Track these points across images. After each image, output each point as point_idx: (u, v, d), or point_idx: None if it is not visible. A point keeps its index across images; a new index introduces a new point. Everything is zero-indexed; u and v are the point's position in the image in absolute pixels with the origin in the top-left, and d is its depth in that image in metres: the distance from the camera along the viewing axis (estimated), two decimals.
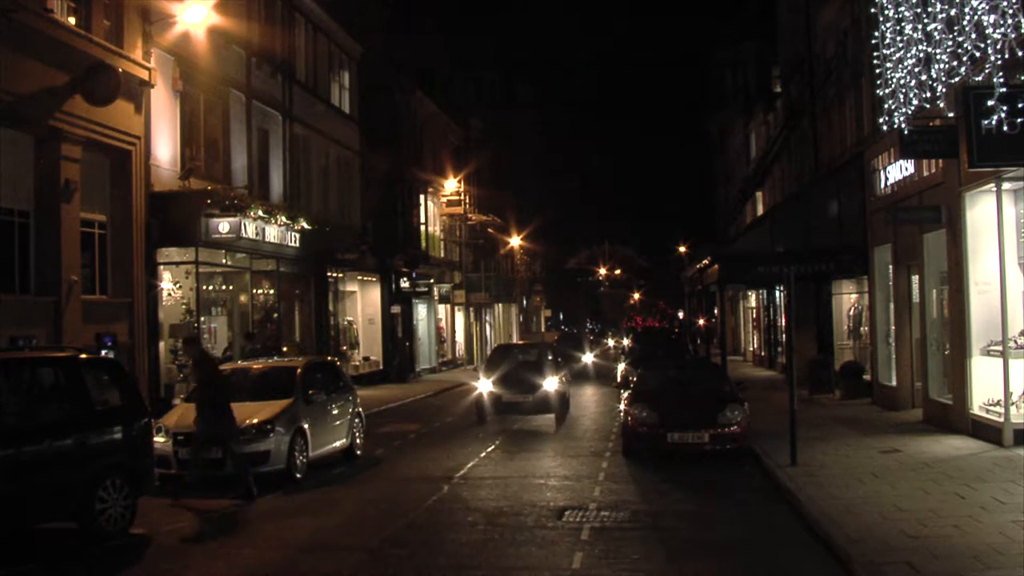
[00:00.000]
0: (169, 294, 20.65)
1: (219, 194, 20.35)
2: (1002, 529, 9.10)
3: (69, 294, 16.61)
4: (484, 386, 20.78)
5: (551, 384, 20.46)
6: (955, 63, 12.15)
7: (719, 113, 51.13)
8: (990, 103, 11.54)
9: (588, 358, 39.66)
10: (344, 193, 32.25)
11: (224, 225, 20.09)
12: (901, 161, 16.80)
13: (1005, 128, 11.55)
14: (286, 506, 12.29)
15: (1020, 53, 10.82)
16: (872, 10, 15.19)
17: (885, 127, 14.74)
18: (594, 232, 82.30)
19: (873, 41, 15.06)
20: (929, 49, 12.86)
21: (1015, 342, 13.60)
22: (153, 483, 11.67)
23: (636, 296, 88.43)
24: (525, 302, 68.18)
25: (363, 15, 34.14)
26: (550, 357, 22.51)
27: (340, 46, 32.24)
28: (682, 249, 64.62)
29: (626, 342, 59.79)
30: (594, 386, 31.67)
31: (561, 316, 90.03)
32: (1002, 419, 13.59)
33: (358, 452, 16.18)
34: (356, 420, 16.33)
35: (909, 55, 13.50)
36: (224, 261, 22.50)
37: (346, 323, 32.82)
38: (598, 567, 8.98)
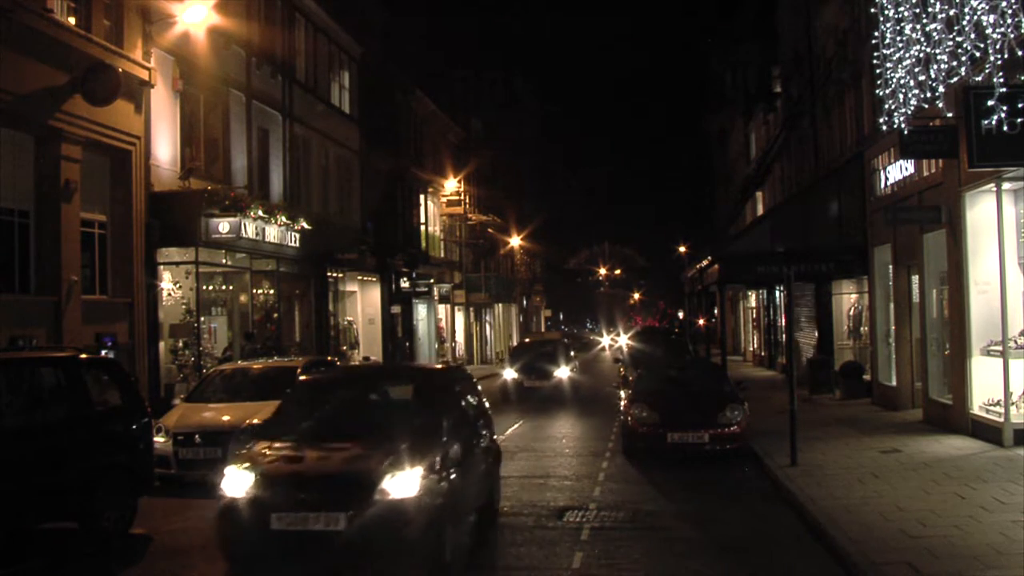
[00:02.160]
0: (169, 294, 20.65)
1: (219, 194, 20.35)
2: (1002, 529, 9.10)
3: (69, 294, 16.61)
4: None
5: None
6: (955, 63, 12.14)
7: (719, 113, 51.13)
8: (990, 103, 11.54)
9: (563, 372, 27.76)
10: (344, 193, 32.25)
11: (224, 225, 20.09)
12: (901, 161, 16.80)
13: (1005, 128, 11.55)
14: None
15: (1020, 53, 10.82)
16: (872, 10, 15.17)
17: (885, 127, 14.73)
18: (594, 232, 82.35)
19: (873, 41, 15.05)
20: (929, 49, 12.85)
21: (1015, 342, 13.59)
22: (153, 483, 11.66)
23: (636, 296, 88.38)
24: (525, 302, 68.21)
25: (363, 15, 34.15)
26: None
27: (340, 46, 32.24)
28: (682, 249, 64.56)
29: (624, 341, 58.47)
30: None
31: (561, 316, 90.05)
32: (1002, 419, 13.59)
33: None
34: None
35: (909, 55, 13.49)
36: (224, 261, 22.49)
37: (346, 323, 32.81)
38: (598, 567, 8.98)
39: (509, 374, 27.35)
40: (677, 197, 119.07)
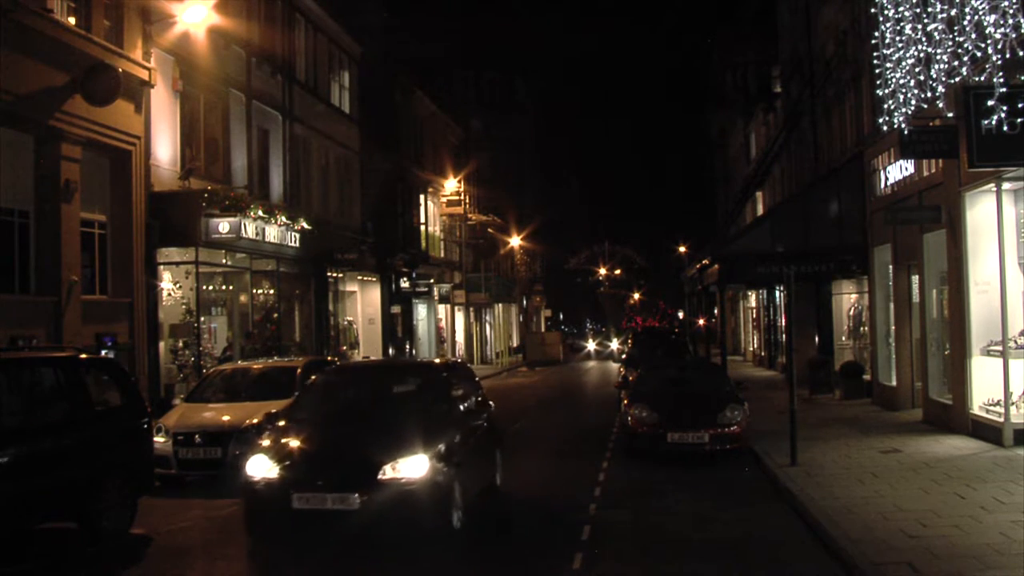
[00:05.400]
0: (169, 294, 20.65)
1: (219, 194, 20.36)
2: (1002, 529, 9.10)
3: (69, 294, 16.61)
4: None
5: None
6: (955, 63, 12.14)
7: (719, 113, 51.11)
8: (990, 103, 11.54)
9: (415, 466, 9.48)
10: (344, 193, 32.25)
11: (224, 225, 20.10)
12: (901, 161, 16.80)
13: (1005, 128, 11.55)
14: None
15: (1020, 53, 10.82)
16: (872, 10, 15.18)
17: (885, 127, 14.73)
18: (594, 232, 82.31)
19: (873, 41, 15.05)
20: (929, 49, 12.85)
21: (1015, 342, 13.60)
22: (153, 483, 11.67)
23: (636, 296, 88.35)
24: (525, 302, 68.18)
25: (363, 15, 34.16)
26: None
27: (340, 46, 32.25)
28: (682, 249, 64.58)
29: (615, 346, 57.39)
30: None
31: (561, 316, 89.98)
32: (1002, 419, 13.59)
33: None
34: None
35: (909, 55, 13.49)
36: (224, 261, 22.50)
37: (346, 323, 32.82)
38: (598, 567, 8.98)
39: (255, 469, 9.77)
40: (677, 197, 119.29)
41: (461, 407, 11.36)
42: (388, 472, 9.35)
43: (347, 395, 11.98)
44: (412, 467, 9.39)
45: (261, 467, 9.66)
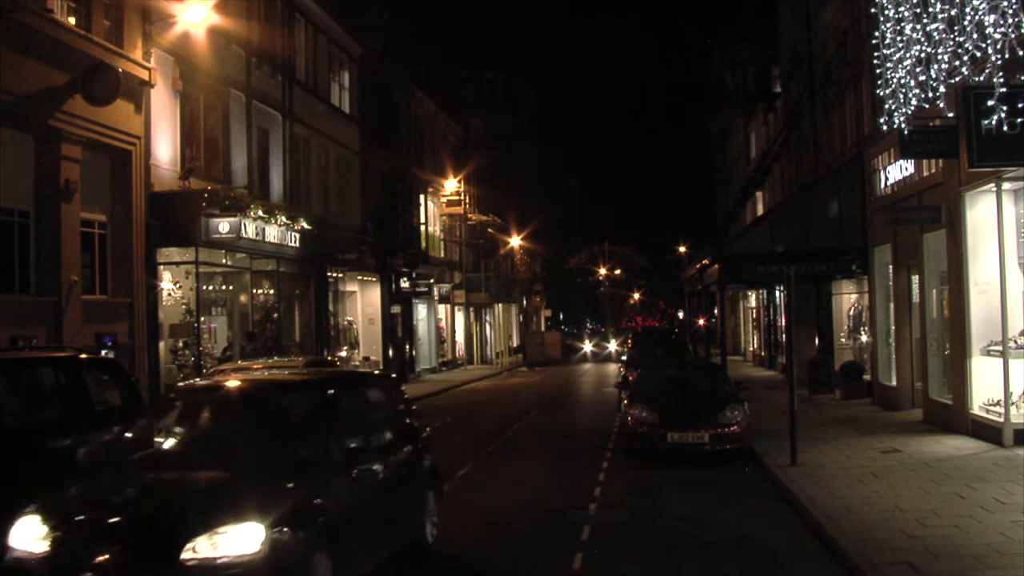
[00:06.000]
0: (169, 294, 20.65)
1: (219, 194, 20.36)
2: (1002, 529, 9.10)
3: (69, 294, 16.61)
4: None
5: None
6: (955, 63, 12.14)
7: (719, 113, 51.16)
8: (990, 103, 11.55)
9: (244, 540, 6.51)
10: (344, 193, 32.25)
11: (224, 225, 20.10)
12: (901, 161, 16.80)
13: (1005, 128, 11.55)
14: None
15: (1020, 53, 10.81)
16: (872, 10, 15.17)
17: (885, 127, 14.72)
18: (594, 232, 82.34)
19: (873, 41, 15.05)
20: (929, 49, 12.84)
21: (1015, 342, 13.60)
22: None
23: (636, 296, 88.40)
24: (525, 302, 68.20)
25: (363, 15, 34.16)
26: None
27: (340, 46, 32.25)
28: (682, 249, 64.66)
29: (613, 347, 56.46)
30: None
31: (561, 316, 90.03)
32: (1002, 419, 13.59)
33: None
34: None
35: (909, 55, 13.48)
36: (224, 261, 22.49)
37: (346, 323, 32.82)
38: (598, 567, 8.98)
39: (20, 539, 6.94)
40: (677, 197, 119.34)
41: (354, 441, 7.96)
42: (201, 549, 6.32)
43: (187, 428, 8.55)
44: (238, 541, 6.39)
45: (28, 535, 6.74)
